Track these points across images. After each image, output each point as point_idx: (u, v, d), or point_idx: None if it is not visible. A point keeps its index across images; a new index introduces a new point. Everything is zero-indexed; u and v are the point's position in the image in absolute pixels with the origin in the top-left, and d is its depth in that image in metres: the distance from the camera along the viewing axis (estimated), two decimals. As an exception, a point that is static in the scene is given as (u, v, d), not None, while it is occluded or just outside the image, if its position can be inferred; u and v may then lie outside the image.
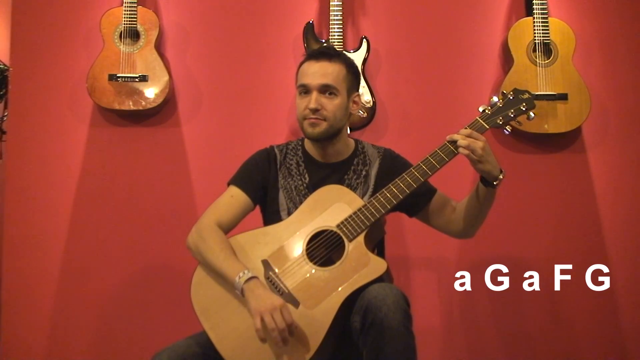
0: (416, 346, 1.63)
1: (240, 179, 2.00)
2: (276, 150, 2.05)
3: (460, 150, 1.78)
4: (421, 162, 1.84)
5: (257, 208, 2.04)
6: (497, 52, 2.90)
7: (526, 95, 1.87)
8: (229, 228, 1.94)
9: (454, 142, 1.81)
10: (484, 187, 1.84)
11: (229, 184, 2.01)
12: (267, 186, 2.00)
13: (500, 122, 1.85)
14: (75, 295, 2.83)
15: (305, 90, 1.94)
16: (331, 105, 1.92)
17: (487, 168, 1.79)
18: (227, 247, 1.84)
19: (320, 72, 1.92)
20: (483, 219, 1.94)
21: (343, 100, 1.94)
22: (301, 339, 1.70)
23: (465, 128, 1.82)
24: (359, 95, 2.03)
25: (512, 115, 1.85)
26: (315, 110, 1.90)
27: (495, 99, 1.88)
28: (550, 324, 2.83)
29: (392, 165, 2.01)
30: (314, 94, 1.91)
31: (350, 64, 1.98)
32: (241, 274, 1.75)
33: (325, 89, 1.92)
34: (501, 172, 1.82)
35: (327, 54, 1.96)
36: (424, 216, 2.02)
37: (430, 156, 1.83)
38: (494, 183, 1.82)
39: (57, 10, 2.89)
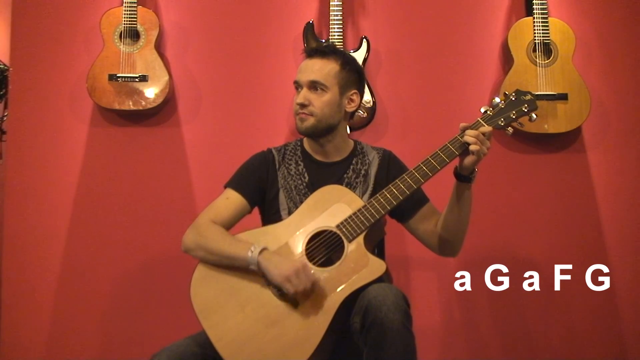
0: (416, 346, 1.63)
1: (236, 182, 2.01)
2: (274, 151, 2.06)
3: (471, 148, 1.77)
4: (421, 163, 1.83)
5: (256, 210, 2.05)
6: (497, 52, 2.90)
7: (528, 97, 1.86)
8: (224, 229, 1.94)
9: (461, 144, 1.80)
10: (460, 184, 1.85)
11: (225, 187, 2.01)
12: (265, 188, 2.01)
13: (502, 124, 1.84)
14: (75, 295, 2.83)
15: (297, 86, 1.99)
16: (319, 101, 1.93)
17: (475, 165, 1.80)
18: (228, 234, 1.89)
19: (309, 68, 1.96)
20: (463, 230, 1.92)
21: (334, 96, 1.95)
22: (300, 339, 1.70)
23: (471, 129, 1.81)
24: (356, 93, 2.01)
25: (513, 117, 1.84)
26: (302, 106, 1.93)
27: (497, 99, 1.86)
28: (550, 324, 2.83)
29: (392, 165, 2.02)
30: (303, 90, 1.95)
31: (346, 62, 1.98)
32: (252, 249, 1.78)
33: (314, 85, 1.94)
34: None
35: (321, 51, 1.98)
36: (412, 224, 2.00)
37: (431, 157, 1.83)
38: (470, 176, 1.83)
39: (57, 10, 2.89)
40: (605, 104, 2.87)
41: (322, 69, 1.94)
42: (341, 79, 1.96)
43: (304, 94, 1.94)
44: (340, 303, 1.71)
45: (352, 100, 2.00)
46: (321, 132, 1.96)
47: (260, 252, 1.78)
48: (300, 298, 1.74)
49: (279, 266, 1.75)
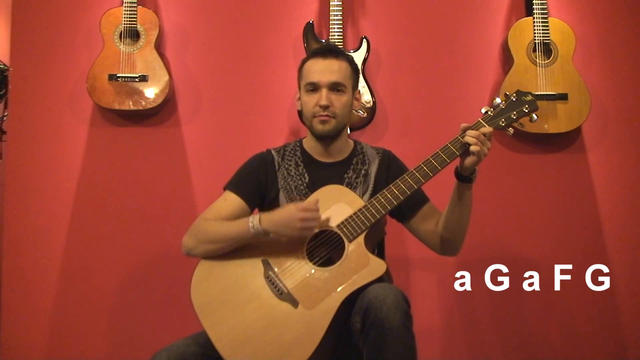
0: (416, 346, 1.64)
1: (235, 184, 2.01)
2: (273, 152, 2.06)
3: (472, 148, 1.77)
4: (422, 163, 1.84)
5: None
6: (497, 52, 2.90)
7: (529, 97, 1.86)
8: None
9: (461, 144, 1.80)
10: (461, 184, 1.85)
11: (224, 189, 2.01)
12: (265, 189, 2.00)
13: (503, 124, 1.84)
14: (75, 295, 2.83)
15: (313, 87, 1.95)
16: (339, 102, 1.94)
17: (475, 166, 1.80)
18: (223, 221, 1.89)
19: (329, 69, 1.94)
20: (464, 229, 1.92)
21: (349, 97, 1.97)
22: (300, 339, 1.70)
23: (472, 129, 1.81)
24: (359, 92, 2.06)
25: (514, 117, 1.84)
26: (326, 107, 1.92)
27: (497, 100, 1.87)
28: (550, 324, 2.83)
29: (392, 165, 2.03)
30: (324, 91, 1.92)
31: (351, 61, 2.01)
32: (251, 223, 1.80)
33: (335, 86, 1.94)
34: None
35: (334, 51, 1.98)
36: (413, 224, 2.00)
37: (431, 157, 1.83)
38: (471, 176, 1.83)
39: (57, 11, 2.89)
40: (605, 104, 2.87)
41: (340, 69, 1.94)
42: (352, 79, 1.99)
43: (327, 96, 1.92)
44: (340, 303, 1.71)
45: (357, 99, 2.04)
46: (338, 133, 1.97)
47: (260, 221, 1.79)
48: (302, 297, 1.73)
49: (284, 222, 1.77)
